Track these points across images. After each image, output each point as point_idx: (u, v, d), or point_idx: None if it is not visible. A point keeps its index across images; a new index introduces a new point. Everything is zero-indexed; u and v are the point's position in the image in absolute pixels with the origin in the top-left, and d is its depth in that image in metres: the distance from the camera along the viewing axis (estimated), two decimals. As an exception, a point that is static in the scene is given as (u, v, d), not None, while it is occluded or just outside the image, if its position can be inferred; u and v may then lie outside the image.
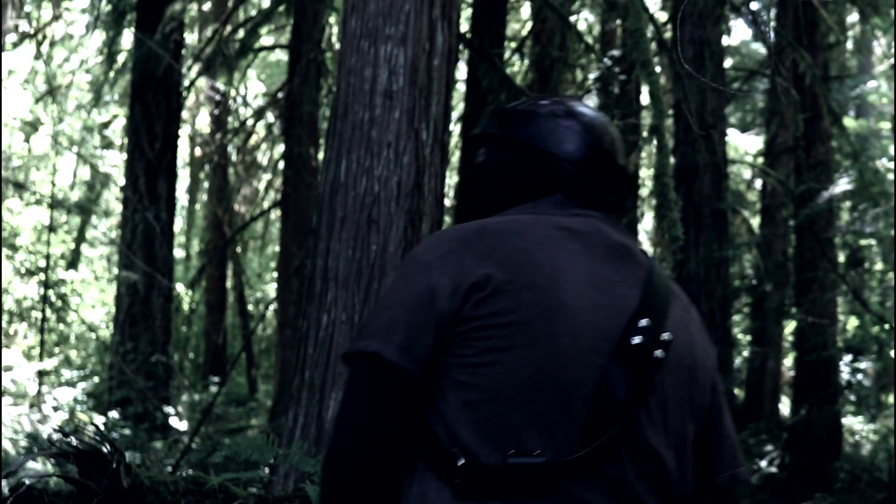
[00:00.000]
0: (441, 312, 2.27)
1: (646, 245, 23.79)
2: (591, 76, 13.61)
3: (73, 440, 3.92)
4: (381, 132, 6.12)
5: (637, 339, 2.29)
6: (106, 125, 21.85)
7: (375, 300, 6.14)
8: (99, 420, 13.11)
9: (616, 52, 12.98)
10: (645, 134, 14.14)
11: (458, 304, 2.28)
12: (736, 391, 16.11)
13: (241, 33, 16.57)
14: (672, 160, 11.58)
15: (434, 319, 2.27)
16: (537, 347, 2.25)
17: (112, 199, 23.19)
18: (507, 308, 2.27)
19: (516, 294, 2.29)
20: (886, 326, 12.80)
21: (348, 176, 6.16)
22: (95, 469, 3.78)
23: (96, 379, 16.63)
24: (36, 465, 10.97)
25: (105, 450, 3.83)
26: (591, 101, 13.80)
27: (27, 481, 4.09)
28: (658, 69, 11.79)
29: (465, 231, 2.41)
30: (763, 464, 14.68)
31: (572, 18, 14.41)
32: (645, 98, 15.65)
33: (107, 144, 22.33)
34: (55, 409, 14.29)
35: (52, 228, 19.42)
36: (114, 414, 13.09)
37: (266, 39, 18.82)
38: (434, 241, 2.40)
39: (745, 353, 19.05)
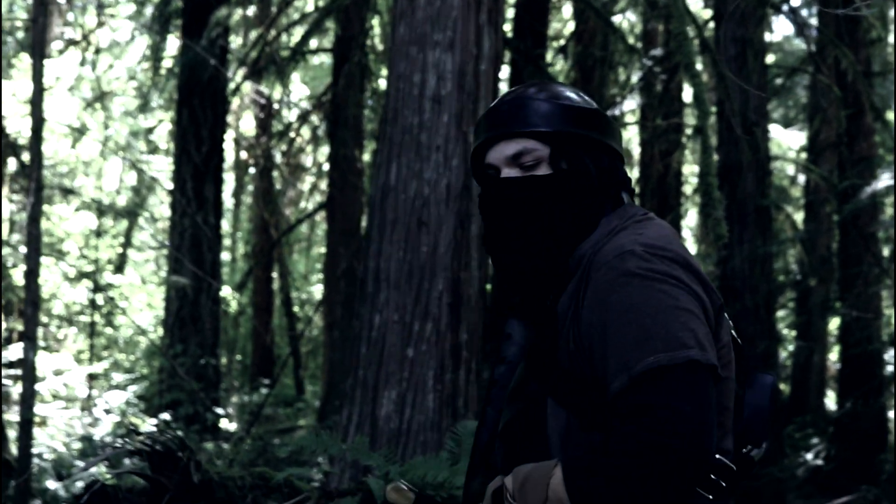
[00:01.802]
0: (710, 328, 2.56)
1: (689, 242, 23.81)
2: (634, 76, 13.66)
3: (146, 438, 4.06)
4: (430, 136, 6.24)
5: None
6: (151, 130, 22.03)
7: (426, 301, 6.26)
8: (150, 422, 13.27)
9: (658, 52, 13.03)
10: (689, 132, 14.21)
11: (711, 322, 2.58)
12: (782, 386, 16.13)
13: (285, 37, 16.73)
14: (716, 158, 11.65)
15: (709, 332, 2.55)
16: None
17: (158, 203, 23.40)
18: (717, 332, 2.62)
19: (719, 319, 2.65)
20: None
21: (399, 179, 6.29)
22: (166, 466, 3.91)
23: (146, 382, 16.79)
24: (93, 469, 11.16)
25: (175, 447, 3.96)
26: (635, 101, 13.86)
27: (101, 479, 4.23)
28: (700, 67, 11.86)
29: (683, 249, 2.64)
30: (809, 457, 14.69)
31: (614, 19, 14.47)
32: (687, 96, 15.70)
33: (153, 149, 22.51)
34: (106, 412, 14.46)
35: (99, 233, 19.64)
36: (165, 416, 13.24)
37: (311, 43, 18.97)
38: (673, 257, 2.58)
39: (791, 348, 19.04)
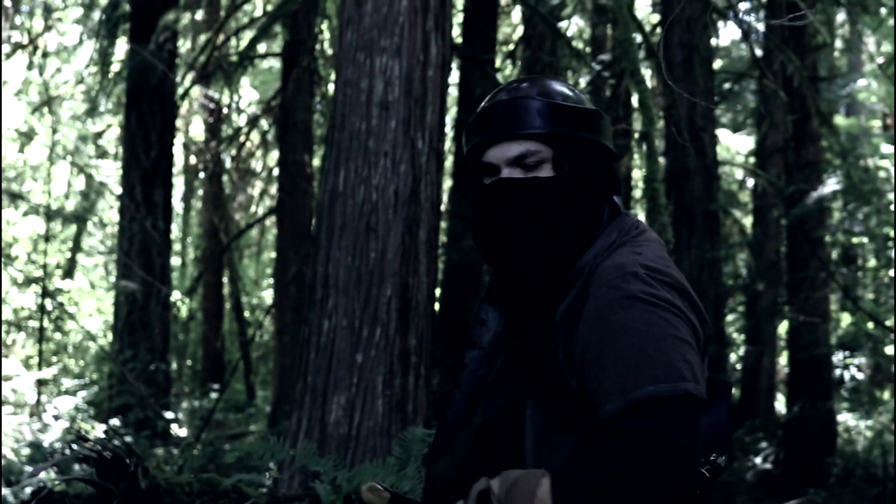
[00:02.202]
0: (700, 357, 2.62)
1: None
2: (583, 81, 13.73)
3: (93, 444, 4.06)
4: (378, 142, 6.26)
5: None
6: (100, 135, 21.92)
7: (375, 307, 6.27)
8: (100, 428, 13.21)
9: (606, 57, 13.10)
10: (637, 137, 14.30)
11: (701, 351, 2.65)
12: (732, 390, 16.24)
13: (234, 41, 16.69)
14: (664, 162, 11.72)
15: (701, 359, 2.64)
16: None
17: (107, 208, 23.27)
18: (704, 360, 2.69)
19: (707, 347, 2.72)
20: (883, 324, 12.92)
21: (347, 185, 6.30)
22: (114, 472, 3.91)
23: (95, 388, 16.70)
24: (41, 476, 11.09)
25: (123, 453, 3.97)
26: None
27: (49, 485, 4.22)
28: (648, 72, 11.94)
29: (678, 272, 2.70)
30: (758, 461, 14.80)
31: (563, 24, 14.54)
32: (636, 101, 15.79)
33: (101, 154, 22.40)
34: (56, 417, 14.37)
35: (48, 238, 19.51)
36: (115, 421, 13.19)
37: (259, 47, 18.95)
38: (673, 283, 2.63)
39: (741, 352, 19.18)
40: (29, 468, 11.63)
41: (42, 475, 11.28)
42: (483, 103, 2.86)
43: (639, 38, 8.64)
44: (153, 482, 3.88)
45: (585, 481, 2.40)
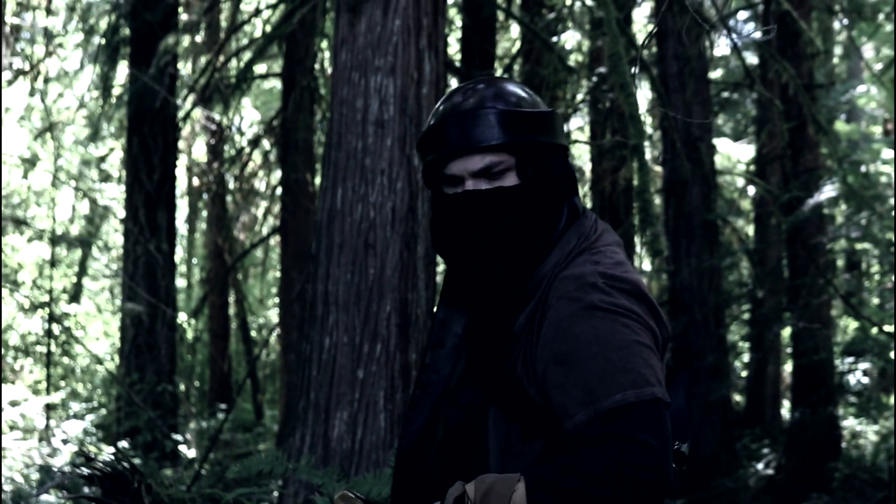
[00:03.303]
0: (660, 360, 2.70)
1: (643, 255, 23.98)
2: (580, 95, 13.82)
3: (98, 463, 4.14)
4: (374, 160, 6.35)
5: None
6: (103, 159, 22.01)
7: (375, 322, 6.35)
8: (109, 450, 13.27)
9: (603, 70, 13.18)
10: (628, 150, 14.36)
11: (660, 354, 2.71)
12: (737, 397, 16.29)
13: (234, 62, 16.78)
14: (662, 173, 11.79)
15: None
16: None
17: (111, 231, 23.37)
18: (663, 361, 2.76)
19: (665, 348, 2.79)
20: (885, 329, 12.97)
21: (344, 203, 6.39)
22: (119, 489, 3.99)
23: (104, 411, 16.76)
24: (49, 498, 11.17)
25: (126, 471, 4.05)
26: (582, 119, 14.00)
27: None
28: (646, 84, 12.02)
29: (636, 276, 2.74)
30: (760, 466, 14.84)
31: (562, 37, 14.61)
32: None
33: (105, 177, 22.48)
34: (64, 441, 14.43)
35: (53, 263, 19.60)
36: (123, 444, 13.25)
37: (259, 68, 19.02)
38: (630, 289, 2.68)
39: (745, 359, 19.22)
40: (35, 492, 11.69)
41: (45, 497, 11.37)
42: (438, 109, 2.82)
43: (632, 50, 8.71)
44: (157, 498, 3.96)
45: (561, 486, 2.47)
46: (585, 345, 2.57)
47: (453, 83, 12.69)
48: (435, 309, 3.12)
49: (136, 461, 13.22)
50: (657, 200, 14.24)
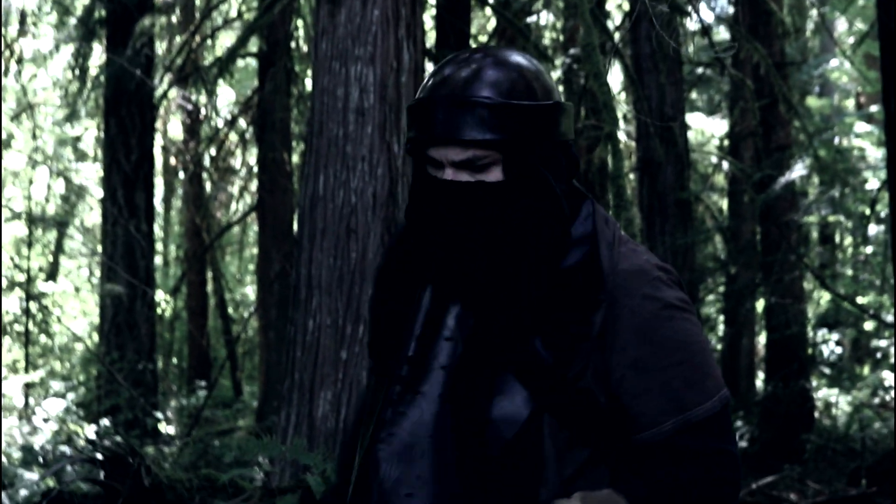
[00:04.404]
0: None
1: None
2: (555, 75, 13.92)
3: (98, 447, 4.28)
4: (355, 147, 6.48)
5: None
6: (78, 139, 22.00)
7: (357, 305, 6.49)
8: (90, 429, 13.36)
9: (576, 50, 13.29)
10: (609, 129, 14.49)
11: None
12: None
13: (210, 42, 16.83)
14: (636, 152, 11.94)
15: None
16: None
17: (87, 210, 23.37)
18: None
19: None
20: (855, 303, 13.17)
21: (326, 189, 6.52)
22: (118, 471, 4.12)
23: (83, 389, 16.82)
24: (32, 476, 11.25)
25: (126, 453, 4.18)
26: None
27: (53, 486, 4.43)
28: (617, 65, 12.14)
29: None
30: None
31: (535, 18, 14.72)
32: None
33: (80, 157, 22.48)
34: (45, 420, 14.50)
35: (30, 243, 19.64)
36: (105, 422, 13.35)
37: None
38: (677, 279, 2.58)
39: (719, 334, 19.39)
40: (22, 471, 11.79)
41: (27, 475, 11.44)
42: (429, 82, 2.52)
43: (607, 39, 8.85)
44: (155, 479, 4.10)
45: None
46: (671, 350, 2.46)
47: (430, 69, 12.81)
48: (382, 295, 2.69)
49: (118, 439, 13.32)
50: (631, 177, 14.39)
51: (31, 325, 18.82)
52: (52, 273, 21.81)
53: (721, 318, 18.91)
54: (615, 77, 16.44)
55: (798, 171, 12.37)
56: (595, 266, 2.47)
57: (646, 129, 11.22)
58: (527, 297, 2.44)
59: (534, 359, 2.42)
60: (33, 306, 18.29)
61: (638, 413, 2.46)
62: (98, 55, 16.15)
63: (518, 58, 2.50)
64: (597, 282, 2.46)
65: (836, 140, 16.33)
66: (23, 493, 10.79)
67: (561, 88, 13.82)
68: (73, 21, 16.07)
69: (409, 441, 2.47)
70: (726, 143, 18.65)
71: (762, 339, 20.01)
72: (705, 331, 13.23)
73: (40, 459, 12.04)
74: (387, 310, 2.64)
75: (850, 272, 19.19)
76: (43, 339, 19.90)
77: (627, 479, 2.48)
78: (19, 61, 17.82)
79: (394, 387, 2.53)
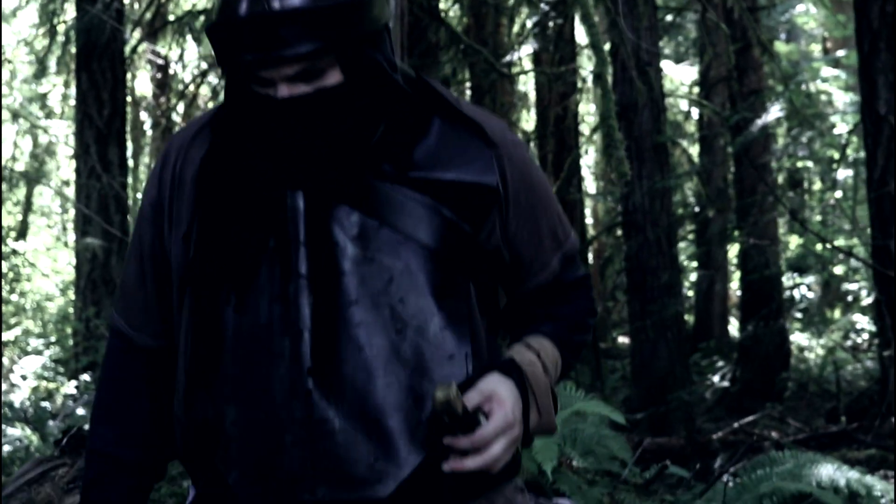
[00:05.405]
0: None
1: (590, 180, 24.33)
2: (529, 22, 13.92)
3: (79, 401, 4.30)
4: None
5: None
6: (45, 95, 21.90)
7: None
8: (70, 385, 13.37)
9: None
10: (584, 75, 14.55)
11: None
12: (686, 316, 16.60)
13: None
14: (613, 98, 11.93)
15: None
16: None
17: (56, 168, 23.28)
18: None
19: None
20: (831, 243, 13.29)
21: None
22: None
23: (59, 347, 16.81)
24: (15, 432, 11.27)
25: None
26: (530, 47, 14.10)
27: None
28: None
29: None
30: (716, 379, 15.18)
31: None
32: (580, 40, 16.00)
33: (48, 114, 22.38)
34: (23, 377, 14.50)
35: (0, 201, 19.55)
36: (85, 377, 13.36)
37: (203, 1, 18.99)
38: None
39: (693, 278, 19.53)
40: (5, 427, 11.80)
41: (12, 431, 11.45)
42: None
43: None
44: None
45: (573, 342, 2.52)
46: (544, 192, 2.47)
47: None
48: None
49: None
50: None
51: (3, 284, 18.76)
52: (21, 231, 21.73)
53: (694, 263, 19.04)
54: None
55: (774, 113, 12.45)
56: (469, 121, 2.37)
57: (622, 75, 11.25)
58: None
59: (452, 230, 2.28)
60: (4, 265, 18.21)
61: (530, 258, 2.44)
62: (66, 12, 16.04)
63: None
64: (480, 136, 2.36)
65: (804, 86, 16.43)
66: (6, 448, 10.81)
67: (533, 40, 13.82)
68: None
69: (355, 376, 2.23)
70: (696, 90, 18.72)
71: (733, 284, 20.19)
72: (681, 277, 13.36)
73: (22, 415, 12.07)
74: (222, 227, 2.33)
75: (818, 217, 19.35)
76: (15, 298, 19.84)
77: (533, 325, 2.49)
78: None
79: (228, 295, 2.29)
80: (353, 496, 2.19)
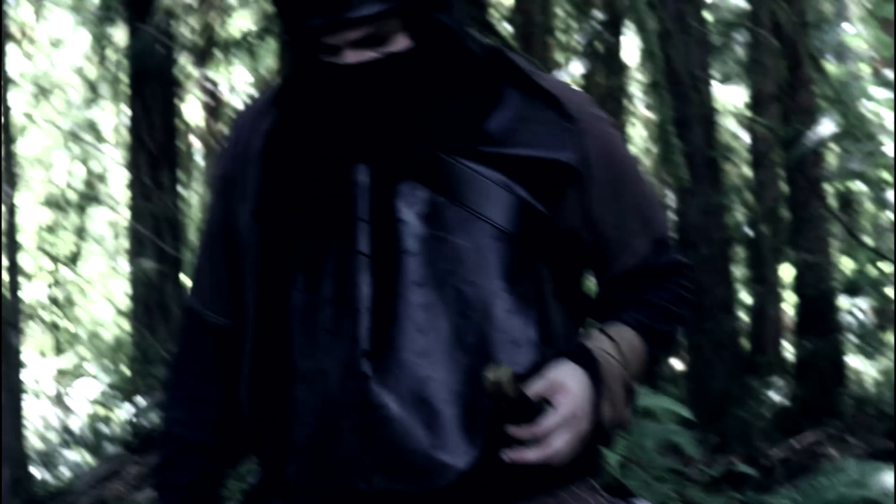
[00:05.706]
0: None
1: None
2: (579, 39, 13.90)
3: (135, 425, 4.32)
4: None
5: None
6: (94, 122, 22.06)
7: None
8: (128, 409, 13.42)
9: (599, 14, 13.28)
10: (632, 94, 14.51)
11: None
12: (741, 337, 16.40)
13: (229, 21, 16.83)
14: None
15: None
16: None
17: (109, 194, 23.40)
18: None
19: None
20: (887, 266, 13.19)
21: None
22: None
23: (114, 373, 16.90)
24: (75, 457, 11.34)
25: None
26: (580, 66, 14.08)
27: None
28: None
29: None
30: (772, 395, 15.06)
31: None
32: (628, 59, 15.97)
33: (100, 139, 22.52)
34: (80, 403, 14.61)
35: (52, 228, 19.69)
36: (140, 400, 13.43)
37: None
38: None
39: (745, 297, 19.39)
40: (64, 451, 11.88)
41: (70, 455, 11.53)
42: None
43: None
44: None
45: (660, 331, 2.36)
46: (631, 169, 2.36)
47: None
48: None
49: (154, 418, 13.39)
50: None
51: (58, 312, 18.89)
52: (74, 258, 21.86)
53: (742, 286, 18.93)
54: (630, 41, 16.36)
55: (828, 127, 12.37)
56: (546, 94, 2.25)
57: (674, 90, 11.23)
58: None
59: (526, 210, 2.18)
60: (59, 293, 18.35)
61: (615, 240, 2.31)
62: (116, 37, 16.18)
63: None
64: (557, 109, 2.24)
65: (857, 107, 16.34)
66: (66, 472, 10.90)
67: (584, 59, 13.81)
68: (88, 2, 16.09)
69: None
70: (746, 111, 18.63)
71: (784, 304, 20.04)
72: (733, 296, 13.29)
73: (80, 441, 12.16)
74: (287, 204, 2.26)
75: (868, 240, 19.20)
76: (66, 325, 19.96)
77: (617, 311, 2.34)
78: (30, 42, 17.87)
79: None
80: (409, 487, 2.12)
